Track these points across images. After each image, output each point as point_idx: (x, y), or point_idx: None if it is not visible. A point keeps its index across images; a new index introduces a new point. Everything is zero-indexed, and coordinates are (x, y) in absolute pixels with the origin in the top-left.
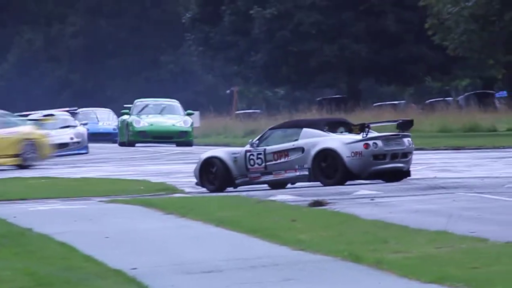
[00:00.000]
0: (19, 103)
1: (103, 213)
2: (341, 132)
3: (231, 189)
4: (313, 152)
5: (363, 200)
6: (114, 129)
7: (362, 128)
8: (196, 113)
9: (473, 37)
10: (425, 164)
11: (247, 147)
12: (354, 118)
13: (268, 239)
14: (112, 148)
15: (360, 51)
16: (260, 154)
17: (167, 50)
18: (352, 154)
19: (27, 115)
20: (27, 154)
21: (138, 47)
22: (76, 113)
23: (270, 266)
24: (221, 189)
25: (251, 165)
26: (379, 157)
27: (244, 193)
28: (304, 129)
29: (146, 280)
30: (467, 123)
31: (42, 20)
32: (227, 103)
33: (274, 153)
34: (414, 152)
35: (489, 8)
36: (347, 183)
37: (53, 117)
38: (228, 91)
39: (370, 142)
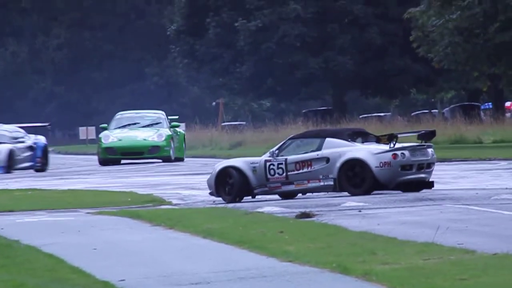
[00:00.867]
0: (4, 115)
1: (90, 225)
2: (362, 142)
3: (221, 200)
4: (339, 162)
5: (350, 211)
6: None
7: (391, 138)
8: (182, 125)
9: (458, 50)
10: None
11: (266, 157)
12: None
13: (256, 251)
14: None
15: (345, 63)
16: (281, 163)
17: (152, 62)
18: (381, 164)
19: None
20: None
21: (123, 59)
22: (48, 128)
23: (258, 278)
24: (239, 199)
25: (271, 175)
26: (406, 167)
27: (231, 205)
28: (328, 139)
29: None
30: (453, 135)
31: (26, 32)
32: (213, 115)
33: (296, 163)
34: None
35: (473, 21)
36: (336, 194)
37: None
38: (214, 103)
39: (399, 153)
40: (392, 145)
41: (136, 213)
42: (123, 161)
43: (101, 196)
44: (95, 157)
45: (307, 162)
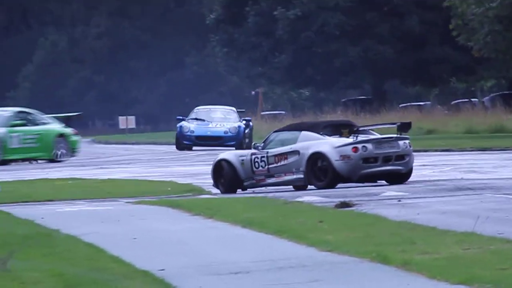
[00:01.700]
0: (43, 104)
1: (130, 214)
2: (340, 136)
3: (262, 189)
4: (306, 155)
5: (390, 201)
6: (226, 131)
7: (351, 131)
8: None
9: (498, 38)
10: (451, 165)
11: (253, 150)
12: (380, 119)
13: (295, 240)
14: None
15: (384, 52)
16: (264, 156)
17: (191, 51)
18: (341, 158)
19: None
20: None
21: (162, 48)
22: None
23: (297, 267)
24: (231, 191)
25: (256, 167)
26: (369, 160)
27: (271, 194)
28: (303, 132)
29: (174, 281)
30: (493, 124)
31: (66, 21)
32: (252, 104)
33: (275, 156)
34: (441, 153)
35: None
36: (377, 183)
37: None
38: (253, 92)
39: (359, 146)
40: (355, 138)
41: (175, 203)
42: (194, 148)
43: (140, 186)
44: (135, 147)
45: (284, 156)
